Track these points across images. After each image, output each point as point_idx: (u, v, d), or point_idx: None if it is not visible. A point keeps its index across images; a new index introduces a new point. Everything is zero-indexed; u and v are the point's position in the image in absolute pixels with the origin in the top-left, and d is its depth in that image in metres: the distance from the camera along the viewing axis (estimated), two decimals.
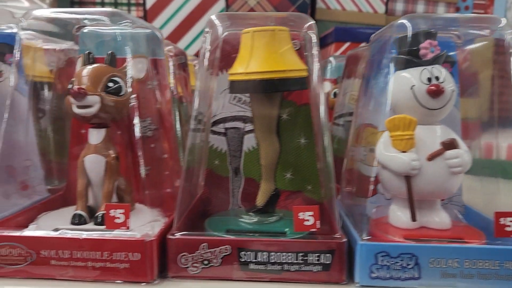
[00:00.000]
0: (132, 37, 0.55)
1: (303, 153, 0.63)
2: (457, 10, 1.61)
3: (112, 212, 0.46)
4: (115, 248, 0.45)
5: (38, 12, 0.57)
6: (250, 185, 0.64)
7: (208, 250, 0.47)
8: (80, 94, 0.49)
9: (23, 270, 0.46)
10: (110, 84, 0.52)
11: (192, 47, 1.51)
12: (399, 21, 0.51)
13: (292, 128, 0.60)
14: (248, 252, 0.46)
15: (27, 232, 0.47)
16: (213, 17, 0.53)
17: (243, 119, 0.63)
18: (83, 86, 0.49)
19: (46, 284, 0.46)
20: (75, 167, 0.64)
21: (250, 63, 0.50)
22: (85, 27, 0.61)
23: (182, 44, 1.51)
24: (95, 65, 0.53)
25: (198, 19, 1.51)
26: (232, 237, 0.47)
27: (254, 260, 0.47)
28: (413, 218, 0.51)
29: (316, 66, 0.52)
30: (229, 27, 0.55)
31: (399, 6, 1.58)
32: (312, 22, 0.53)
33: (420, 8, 1.58)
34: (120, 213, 0.46)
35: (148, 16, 1.50)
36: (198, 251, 0.47)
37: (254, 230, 0.51)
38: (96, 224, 0.52)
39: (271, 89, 0.51)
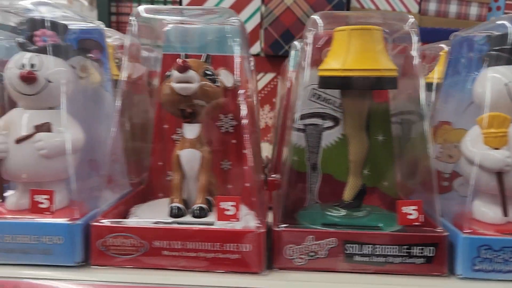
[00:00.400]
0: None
1: (380, 150, 0.64)
2: (490, 10, 1.62)
3: (223, 204, 0.48)
4: (227, 239, 0.47)
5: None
6: (327, 181, 0.65)
7: (315, 242, 0.48)
8: (185, 67, 0.50)
9: (135, 260, 0.48)
10: (208, 72, 0.54)
11: None
12: (499, 22, 0.52)
13: (370, 125, 0.61)
14: (354, 245, 0.48)
15: (140, 223, 0.48)
16: (316, 16, 0.54)
17: (322, 116, 0.64)
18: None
19: (157, 273, 0.47)
20: (156, 162, 0.65)
21: (347, 60, 0.52)
22: (169, 24, 0.63)
23: None
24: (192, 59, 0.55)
25: None
26: (338, 230, 0.49)
27: (359, 252, 0.48)
28: (506, 213, 0.52)
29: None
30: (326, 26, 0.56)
31: (432, 6, 1.58)
32: (413, 20, 0.54)
33: (453, 8, 1.59)
34: (231, 206, 0.48)
35: None
36: (305, 243, 0.48)
37: (350, 224, 0.53)
38: (194, 216, 0.53)
39: (368, 86, 0.52)
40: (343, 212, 0.57)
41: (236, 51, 0.57)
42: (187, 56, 0.56)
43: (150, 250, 0.47)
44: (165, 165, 0.65)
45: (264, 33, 1.49)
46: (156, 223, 0.50)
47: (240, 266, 0.47)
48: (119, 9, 1.53)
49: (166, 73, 0.54)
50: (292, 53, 0.80)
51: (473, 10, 1.59)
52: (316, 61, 0.61)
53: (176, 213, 0.53)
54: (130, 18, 0.55)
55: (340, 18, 0.56)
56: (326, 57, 0.54)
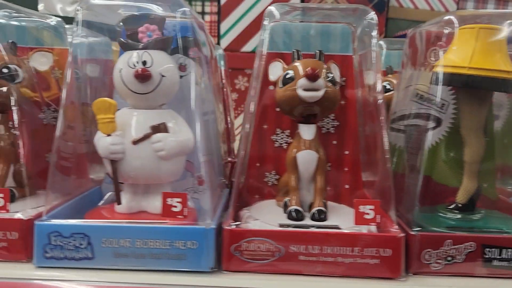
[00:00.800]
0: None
1: None
2: None
3: (362, 208, 0.47)
4: (367, 243, 0.46)
5: None
6: (425, 182, 0.64)
7: (453, 247, 0.47)
8: (315, 76, 0.49)
9: (271, 265, 0.46)
10: (329, 75, 0.52)
11: None
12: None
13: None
14: (493, 249, 0.47)
15: (276, 228, 0.47)
16: (452, 17, 0.53)
17: (424, 117, 0.63)
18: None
19: (292, 279, 0.46)
20: (254, 163, 0.64)
21: (473, 58, 0.50)
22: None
23: (255, 40, 1.51)
24: (310, 59, 0.53)
25: None
26: (477, 234, 0.48)
27: (498, 257, 0.47)
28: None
29: None
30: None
31: (470, 5, 1.58)
32: None
33: (491, 7, 1.58)
34: (370, 209, 0.46)
35: (222, 12, 1.50)
36: (443, 248, 0.47)
37: (476, 227, 0.51)
38: (313, 219, 0.52)
39: (495, 87, 0.51)
40: (458, 214, 0.56)
41: (350, 51, 0.56)
42: (299, 54, 0.55)
43: (286, 255, 0.46)
44: (262, 166, 0.63)
45: None
46: (281, 226, 0.49)
47: (379, 271, 0.46)
48: None
49: (286, 75, 0.52)
50: None
51: (511, 8, 1.58)
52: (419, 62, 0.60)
53: (295, 216, 0.52)
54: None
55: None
56: (447, 53, 0.53)
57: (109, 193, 0.59)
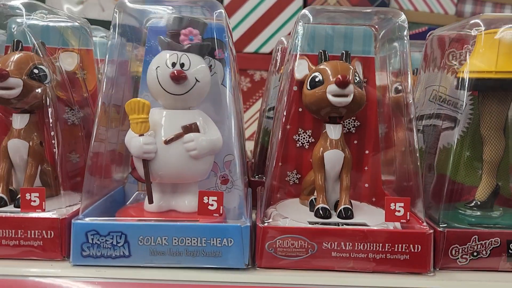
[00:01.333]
0: None
1: None
2: None
3: (393, 206, 0.48)
4: (398, 240, 0.47)
5: None
6: (440, 180, 0.66)
7: (479, 242, 0.49)
8: (346, 83, 0.50)
9: (304, 261, 0.47)
10: (357, 78, 0.54)
11: (267, 45, 1.52)
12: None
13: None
14: None
15: (310, 226, 0.48)
16: (479, 20, 0.55)
17: (441, 117, 0.65)
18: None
19: (325, 275, 0.47)
20: (277, 162, 0.65)
21: (499, 62, 0.52)
22: None
23: (257, 41, 1.52)
24: (338, 61, 0.55)
25: (275, 17, 1.52)
26: (501, 230, 0.49)
27: None
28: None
29: None
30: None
31: (468, 8, 1.61)
32: None
33: (488, 10, 1.62)
34: (400, 207, 0.48)
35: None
36: (469, 243, 0.49)
37: (498, 224, 0.53)
38: (340, 217, 0.53)
39: None
40: (477, 212, 0.57)
41: (371, 53, 0.57)
42: (326, 55, 0.56)
43: (319, 251, 0.47)
44: (284, 166, 0.64)
45: None
46: (310, 224, 0.50)
47: (409, 267, 0.47)
48: None
49: (314, 78, 0.53)
50: None
51: (508, 11, 1.62)
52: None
53: (323, 214, 0.53)
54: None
55: None
56: (472, 57, 0.55)
57: (136, 193, 0.60)
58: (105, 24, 0.69)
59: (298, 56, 0.55)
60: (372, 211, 0.57)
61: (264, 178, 0.71)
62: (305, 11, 0.54)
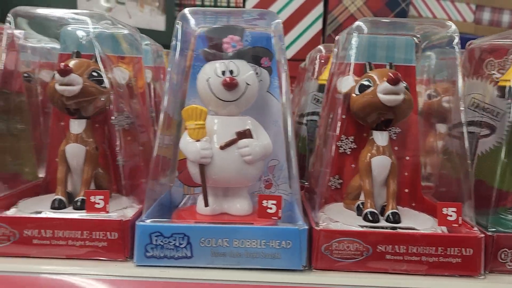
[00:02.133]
0: None
1: None
2: None
3: (445, 211, 0.50)
4: (450, 243, 0.49)
5: None
6: (478, 187, 0.67)
7: None
8: (398, 80, 0.52)
9: (359, 263, 0.49)
10: (404, 83, 0.55)
11: (288, 51, 1.54)
12: None
13: None
14: None
15: (365, 229, 0.50)
16: None
17: (479, 124, 0.67)
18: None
19: (379, 277, 0.49)
20: (318, 168, 0.67)
21: None
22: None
23: None
24: (384, 69, 0.57)
25: (296, 23, 1.54)
26: None
27: None
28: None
29: None
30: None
31: (486, 16, 1.63)
32: None
33: (506, 17, 1.63)
34: (452, 211, 0.50)
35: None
36: None
37: None
38: (388, 221, 0.55)
39: None
40: None
41: (413, 62, 0.60)
42: (371, 65, 0.58)
43: (373, 254, 0.49)
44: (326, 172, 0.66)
45: (327, 39, 1.51)
46: (361, 227, 0.52)
47: (461, 270, 0.49)
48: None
49: (362, 83, 0.55)
50: None
51: None
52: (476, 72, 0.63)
53: (371, 218, 0.55)
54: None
55: None
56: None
57: (187, 196, 0.62)
58: None
59: (352, 65, 0.57)
60: (416, 216, 0.59)
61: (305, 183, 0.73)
62: (359, 22, 0.56)
